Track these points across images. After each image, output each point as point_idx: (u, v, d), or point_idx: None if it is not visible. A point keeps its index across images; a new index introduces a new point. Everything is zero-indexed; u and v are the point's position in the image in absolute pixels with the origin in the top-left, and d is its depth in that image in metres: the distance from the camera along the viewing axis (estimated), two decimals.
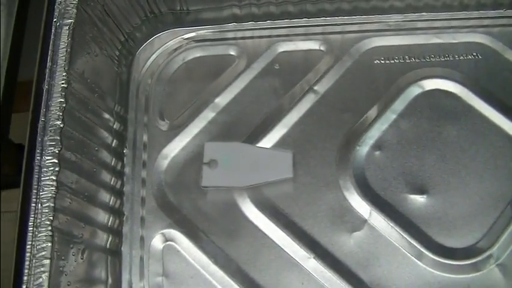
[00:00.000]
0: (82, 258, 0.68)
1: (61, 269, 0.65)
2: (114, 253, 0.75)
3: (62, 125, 0.68)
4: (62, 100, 0.70)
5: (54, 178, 0.66)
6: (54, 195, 0.65)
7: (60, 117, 0.69)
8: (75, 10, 0.75)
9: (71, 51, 0.73)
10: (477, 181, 0.78)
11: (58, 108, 0.69)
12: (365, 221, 0.76)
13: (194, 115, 0.83)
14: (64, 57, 0.72)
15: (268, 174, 0.78)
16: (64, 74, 0.71)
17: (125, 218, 0.77)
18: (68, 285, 0.65)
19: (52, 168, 0.66)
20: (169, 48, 0.88)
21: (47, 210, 0.64)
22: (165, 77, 0.86)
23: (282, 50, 0.87)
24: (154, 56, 0.87)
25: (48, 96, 0.70)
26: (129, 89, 0.85)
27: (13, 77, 0.83)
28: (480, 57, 0.85)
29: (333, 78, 0.84)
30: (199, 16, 0.87)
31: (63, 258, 0.65)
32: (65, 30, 0.74)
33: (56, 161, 0.66)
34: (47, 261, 0.63)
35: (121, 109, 0.81)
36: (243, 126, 0.82)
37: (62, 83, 0.70)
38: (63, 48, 0.73)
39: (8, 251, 0.65)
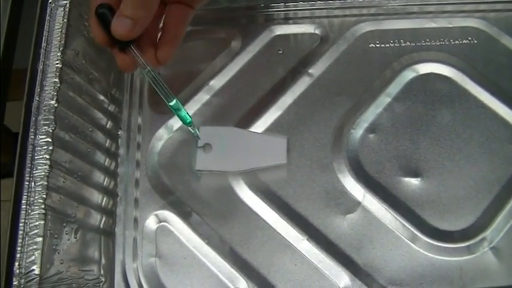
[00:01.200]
0: (75, 238, 0.68)
1: (54, 247, 0.65)
2: (108, 233, 0.75)
3: (56, 105, 0.69)
4: (56, 80, 0.70)
5: (47, 157, 0.66)
6: (47, 174, 0.65)
7: (55, 96, 0.69)
8: None
9: (66, 32, 0.73)
10: (471, 164, 0.78)
11: (52, 88, 0.69)
12: (359, 204, 0.76)
13: (189, 97, 0.83)
14: (59, 38, 0.73)
15: (262, 159, 0.78)
16: (59, 54, 0.71)
17: (118, 199, 0.77)
18: (61, 263, 0.66)
19: (46, 147, 0.66)
20: None
21: (40, 189, 0.65)
22: None
23: (278, 33, 0.87)
24: None
25: (43, 76, 0.70)
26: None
27: (8, 65, 0.83)
28: (475, 41, 0.85)
29: (327, 62, 0.84)
30: None
31: (56, 236, 0.65)
32: (60, 11, 0.74)
33: (50, 140, 0.67)
34: (40, 239, 0.63)
35: (116, 91, 0.81)
36: (238, 109, 0.82)
37: (57, 63, 0.71)
38: (58, 29, 0.73)
39: (4, 238, 0.65)
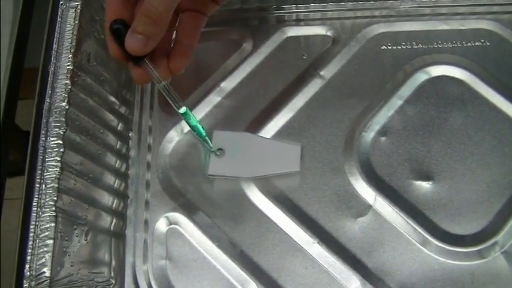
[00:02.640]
0: (86, 240, 0.68)
1: (64, 249, 0.65)
2: (118, 236, 0.75)
3: (67, 107, 0.69)
4: (68, 82, 0.70)
5: (58, 159, 0.66)
6: (58, 176, 0.66)
7: (66, 98, 0.69)
8: None
9: (77, 33, 0.73)
10: (483, 168, 0.77)
11: (63, 90, 0.70)
12: (370, 207, 0.76)
13: (200, 99, 0.83)
14: (70, 40, 0.73)
15: (275, 166, 0.78)
16: (70, 56, 0.71)
17: (129, 200, 0.77)
18: (71, 265, 0.66)
19: (57, 149, 0.66)
20: None
21: (51, 191, 0.65)
22: None
23: (290, 34, 0.87)
24: None
25: (54, 78, 0.70)
26: None
27: (19, 63, 0.83)
28: (488, 44, 0.85)
29: (339, 64, 0.84)
30: None
31: (66, 239, 0.65)
32: (72, 13, 0.74)
33: (61, 142, 0.67)
34: (51, 242, 0.63)
35: (127, 92, 0.81)
36: (249, 111, 0.82)
37: (68, 65, 0.71)
38: (70, 30, 0.73)
39: (14, 238, 0.66)
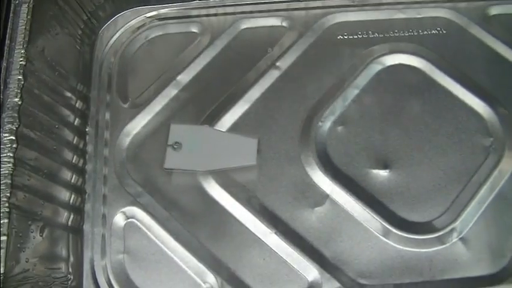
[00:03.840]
0: (41, 236, 0.68)
1: (19, 245, 0.65)
2: (76, 231, 0.75)
3: (20, 102, 0.68)
4: (20, 77, 0.69)
5: (11, 155, 0.66)
6: (11, 172, 0.65)
7: (18, 94, 0.69)
8: None
9: (31, 29, 0.72)
10: (441, 155, 0.78)
11: (16, 85, 0.69)
12: (327, 196, 0.76)
13: (156, 93, 0.82)
14: (23, 35, 0.72)
15: (232, 159, 0.78)
16: (23, 51, 0.71)
17: (86, 195, 0.77)
18: (26, 261, 0.65)
19: (9, 145, 0.66)
20: (132, 26, 0.87)
21: (4, 187, 0.64)
22: (128, 56, 0.86)
23: (245, 26, 0.87)
24: (117, 34, 0.87)
25: (7, 74, 0.70)
26: (92, 68, 0.84)
27: None
28: (445, 32, 0.85)
29: (295, 54, 0.84)
30: None
31: (21, 235, 0.65)
32: (24, 8, 0.74)
33: (14, 137, 0.66)
34: (4, 238, 0.62)
35: (83, 88, 0.81)
36: (206, 103, 0.82)
37: (20, 61, 0.70)
38: (22, 26, 0.72)
39: None
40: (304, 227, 0.75)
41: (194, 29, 0.87)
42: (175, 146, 0.77)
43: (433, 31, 0.85)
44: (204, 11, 0.88)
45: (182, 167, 0.77)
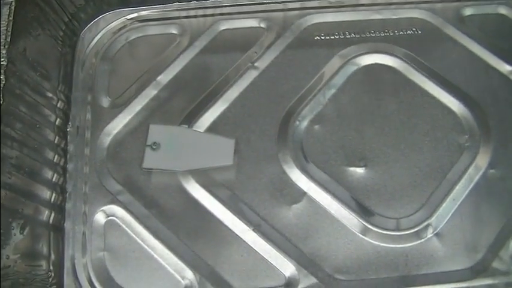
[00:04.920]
0: (22, 233, 0.69)
1: None
2: (57, 229, 0.75)
3: (1, 102, 0.69)
4: (2, 78, 0.70)
5: None
6: None
7: (0, 94, 0.69)
8: None
9: (12, 30, 0.73)
10: (416, 153, 0.79)
11: None
12: (304, 194, 0.77)
13: (137, 93, 0.83)
14: (4, 36, 0.72)
15: (209, 159, 0.79)
16: (4, 52, 0.71)
17: (67, 194, 0.78)
18: (7, 258, 0.66)
19: None
20: (113, 28, 0.88)
21: None
22: (109, 57, 0.86)
23: (224, 28, 0.88)
24: (98, 36, 0.87)
25: None
26: (73, 69, 0.85)
27: None
28: (420, 32, 0.87)
29: (273, 55, 0.85)
30: None
31: (1, 231, 0.66)
32: (6, 10, 0.74)
33: None
34: None
35: (65, 88, 0.82)
36: (185, 103, 0.83)
37: (2, 61, 0.71)
38: (4, 27, 0.73)
39: None
40: (281, 224, 0.76)
41: (174, 31, 0.88)
42: (154, 146, 0.78)
43: (409, 31, 0.86)
44: (183, 13, 0.89)
45: (160, 167, 0.78)
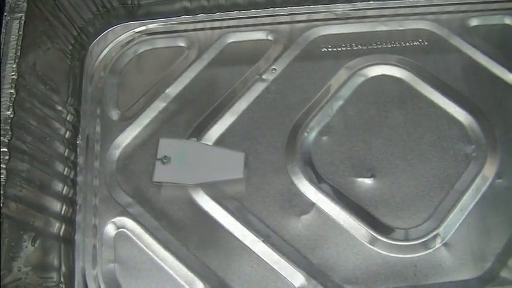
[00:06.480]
0: (33, 246, 0.69)
1: (11, 255, 0.66)
2: (67, 241, 0.76)
3: (12, 115, 0.69)
4: (12, 91, 0.70)
5: (4, 166, 0.66)
6: (4, 183, 0.66)
7: (10, 107, 0.70)
8: (25, 4, 0.75)
9: (22, 44, 0.74)
10: (423, 163, 0.80)
11: (8, 99, 0.70)
12: (313, 205, 0.77)
13: (145, 106, 0.84)
14: (14, 50, 0.73)
15: (219, 173, 0.79)
16: (14, 66, 0.72)
17: (78, 206, 0.78)
18: (19, 270, 0.66)
19: (2, 156, 0.67)
20: (121, 41, 0.89)
21: None
22: (117, 70, 0.87)
23: (231, 40, 0.89)
24: (107, 49, 0.88)
25: None
26: (82, 82, 0.86)
27: None
28: (426, 43, 0.87)
29: (281, 67, 0.86)
30: (150, 9, 0.89)
31: (13, 244, 0.66)
32: (16, 24, 0.75)
33: (6, 149, 0.67)
34: None
35: (74, 101, 0.83)
36: (194, 115, 0.83)
37: (12, 75, 0.71)
38: (14, 41, 0.73)
39: None
40: (291, 234, 0.76)
41: (182, 43, 0.89)
42: (165, 160, 0.78)
43: (415, 42, 0.87)
44: (191, 26, 0.90)
45: (170, 180, 0.78)
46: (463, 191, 0.78)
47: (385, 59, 0.86)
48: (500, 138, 0.81)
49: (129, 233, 0.77)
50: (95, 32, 0.89)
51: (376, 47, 0.87)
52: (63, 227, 0.76)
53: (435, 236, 0.75)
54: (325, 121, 0.82)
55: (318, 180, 0.79)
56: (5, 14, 0.75)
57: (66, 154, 0.79)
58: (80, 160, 0.81)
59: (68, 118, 0.81)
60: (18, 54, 0.73)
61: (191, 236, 0.77)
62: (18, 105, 0.70)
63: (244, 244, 0.76)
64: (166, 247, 0.76)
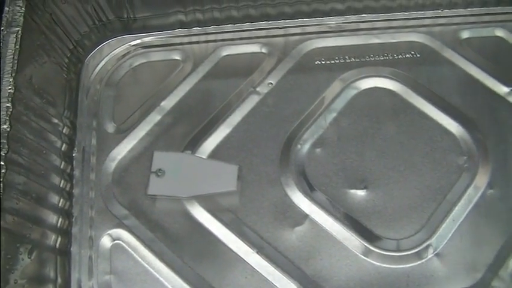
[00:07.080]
0: (30, 258, 0.70)
1: (8, 267, 0.66)
2: (63, 253, 0.76)
3: (8, 129, 0.70)
4: (9, 105, 0.71)
5: (0, 180, 0.67)
6: (0, 196, 0.66)
7: (7, 121, 0.70)
8: (22, 18, 0.76)
9: (18, 58, 0.74)
10: (416, 175, 0.80)
11: (5, 113, 0.70)
12: (306, 216, 0.78)
13: (141, 118, 0.85)
14: (11, 64, 0.73)
15: (213, 186, 0.80)
16: (11, 80, 0.72)
17: (74, 219, 0.79)
18: (15, 283, 0.67)
19: None
20: (117, 54, 0.90)
21: None
22: (113, 83, 0.88)
23: (226, 53, 0.89)
24: (102, 62, 0.89)
25: None
26: (78, 95, 0.87)
27: None
28: (419, 55, 0.88)
29: (275, 79, 0.87)
30: (146, 23, 0.90)
31: (9, 256, 0.66)
32: (12, 38, 0.75)
33: (3, 163, 0.68)
34: None
35: (70, 114, 0.83)
36: (189, 127, 0.84)
37: (9, 89, 0.72)
38: (10, 55, 0.74)
39: None
40: (284, 246, 0.77)
41: (177, 57, 0.90)
42: (159, 173, 0.79)
43: (408, 55, 0.88)
44: (186, 39, 0.91)
45: (165, 193, 0.79)
46: (455, 201, 0.79)
47: (378, 72, 0.87)
48: (492, 149, 0.82)
49: (124, 244, 0.78)
50: (91, 45, 0.89)
51: (369, 59, 0.88)
52: (59, 239, 0.76)
53: (427, 247, 0.76)
54: (319, 133, 0.83)
55: (311, 191, 0.79)
56: (2, 28, 0.75)
57: (62, 167, 0.80)
58: (76, 172, 0.82)
59: (64, 131, 0.81)
60: (15, 68, 0.73)
61: (186, 247, 0.77)
62: (15, 118, 0.71)
63: (239, 255, 0.77)
64: (162, 259, 0.77)
